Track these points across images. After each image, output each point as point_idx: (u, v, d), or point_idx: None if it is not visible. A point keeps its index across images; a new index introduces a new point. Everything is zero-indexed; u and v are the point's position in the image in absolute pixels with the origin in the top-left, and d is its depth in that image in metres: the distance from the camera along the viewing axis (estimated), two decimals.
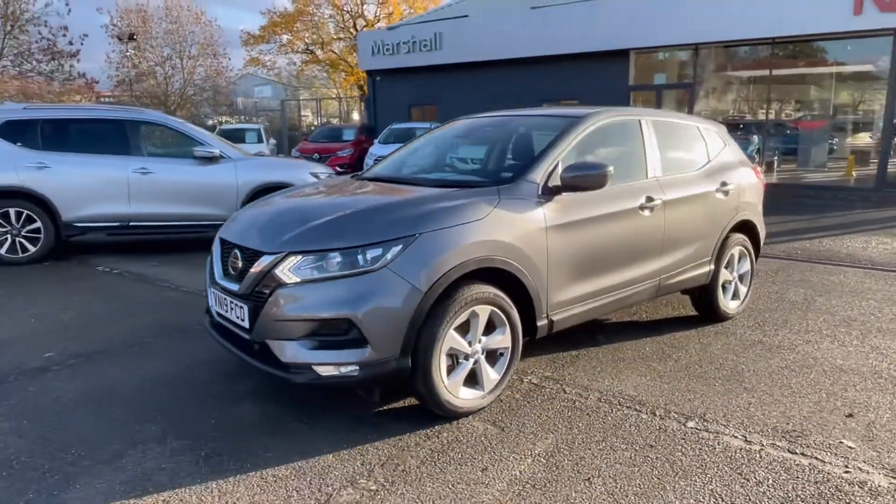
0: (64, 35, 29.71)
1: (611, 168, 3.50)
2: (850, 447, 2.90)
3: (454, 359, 3.13)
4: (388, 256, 2.87)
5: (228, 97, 38.85)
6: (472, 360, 3.18)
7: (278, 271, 2.92)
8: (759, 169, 5.31)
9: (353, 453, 2.86)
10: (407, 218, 3.04)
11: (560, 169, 3.52)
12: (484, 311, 3.16)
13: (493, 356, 3.31)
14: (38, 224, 6.90)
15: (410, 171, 4.24)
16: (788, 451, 2.87)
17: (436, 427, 3.10)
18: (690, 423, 3.15)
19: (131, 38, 31.71)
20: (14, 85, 25.72)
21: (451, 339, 3.04)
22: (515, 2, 18.00)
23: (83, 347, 4.25)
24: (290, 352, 2.90)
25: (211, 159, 7.45)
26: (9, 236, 6.83)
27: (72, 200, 6.96)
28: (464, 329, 3.13)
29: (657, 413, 3.26)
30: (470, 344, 3.15)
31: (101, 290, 5.87)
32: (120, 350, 4.20)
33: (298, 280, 2.89)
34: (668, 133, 4.47)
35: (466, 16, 19.29)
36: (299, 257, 2.92)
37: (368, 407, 3.30)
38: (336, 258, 2.89)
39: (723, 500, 2.49)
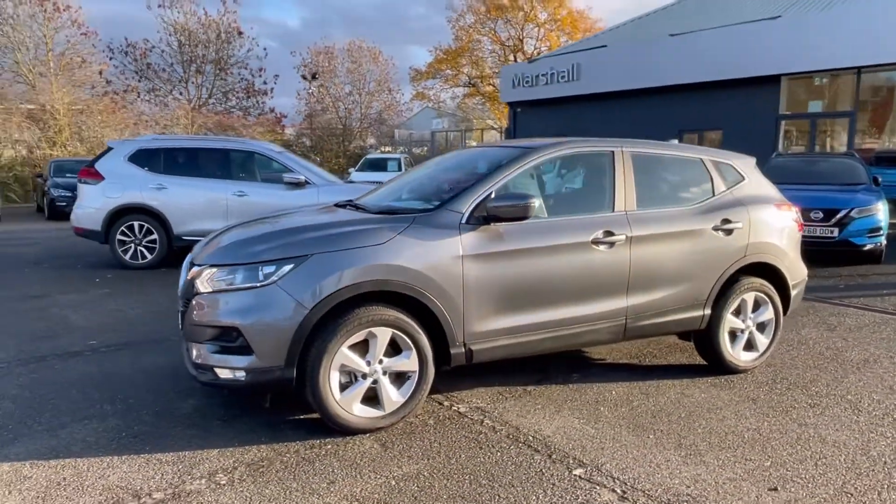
0: (260, 75, 34.17)
1: (535, 200, 3.45)
2: None
3: (351, 376, 3.28)
4: (279, 274, 3.14)
5: (391, 129, 41.71)
6: (369, 380, 3.30)
7: (198, 281, 3.32)
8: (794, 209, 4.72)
9: (235, 451, 3.13)
10: (307, 240, 3.29)
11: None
12: (384, 333, 3.28)
13: (400, 378, 3.40)
14: (155, 236, 8.17)
15: (375, 199, 4.46)
16: None
17: (327, 439, 3.26)
18: (577, 471, 2.96)
19: (314, 76, 35.53)
20: (213, 119, 30.05)
21: (342, 356, 3.20)
22: (653, 30, 17.39)
23: (121, 339, 5.04)
24: (198, 353, 3.27)
25: (297, 185, 8.28)
26: (132, 245, 8.18)
27: (182, 216, 8.15)
28: (363, 348, 3.28)
29: (553, 456, 3.11)
30: (368, 364, 3.28)
31: None
32: (146, 344, 4.92)
33: (210, 290, 3.26)
34: (652, 166, 4.22)
35: (605, 46, 19.01)
36: (214, 270, 3.29)
37: (287, 414, 3.56)
38: (240, 273, 3.21)
39: None
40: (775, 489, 2.82)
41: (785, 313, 4.55)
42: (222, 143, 8.81)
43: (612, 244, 3.81)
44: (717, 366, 4.34)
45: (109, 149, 8.45)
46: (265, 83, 34.35)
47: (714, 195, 4.32)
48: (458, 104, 43.60)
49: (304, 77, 36.65)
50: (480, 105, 43.48)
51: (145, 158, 8.30)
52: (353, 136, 39.31)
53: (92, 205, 8.18)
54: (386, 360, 3.33)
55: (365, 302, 3.25)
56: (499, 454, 3.13)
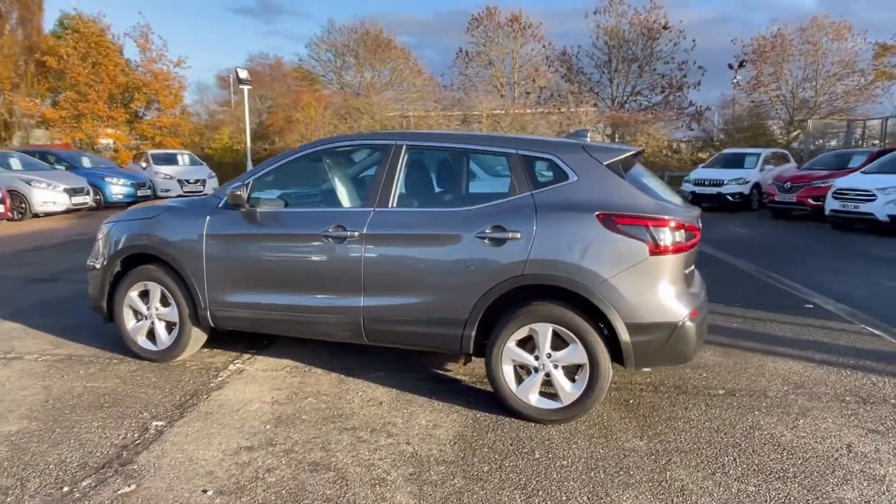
0: (680, 69, 33.39)
1: (240, 192, 3.84)
2: None
3: (137, 316, 4.39)
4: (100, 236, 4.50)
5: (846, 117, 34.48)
6: (149, 321, 4.35)
7: None
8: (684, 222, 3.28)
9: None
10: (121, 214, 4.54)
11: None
12: (155, 288, 4.29)
13: (171, 327, 4.32)
14: None
15: None
16: None
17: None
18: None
19: (741, 65, 32.62)
20: (618, 117, 31.04)
21: (129, 300, 4.36)
22: None
23: None
24: None
25: None
26: None
27: None
28: (145, 299, 4.35)
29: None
30: (147, 308, 4.34)
31: None
32: None
33: None
34: (440, 163, 3.76)
35: None
36: None
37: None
38: None
39: None
40: None
41: (623, 363, 3.35)
42: None
43: (342, 240, 3.74)
44: (503, 406, 3.59)
45: None
46: (684, 77, 33.33)
47: (508, 196, 3.55)
48: None
49: (730, 66, 33.96)
50: None
51: None
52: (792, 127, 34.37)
53: None
54: (160, 308, 4.30)
55: (146, 262, 4.30)
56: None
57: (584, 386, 3.38)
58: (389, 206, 3.74)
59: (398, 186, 3.76)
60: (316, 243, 3.83)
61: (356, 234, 3.71)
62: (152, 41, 28.36)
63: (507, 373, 3.51)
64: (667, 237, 3.28)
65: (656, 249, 3.27)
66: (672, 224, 3.31)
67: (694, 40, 33.13)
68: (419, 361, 4.41)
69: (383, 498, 2.74)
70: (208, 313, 4.15)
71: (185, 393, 3.85)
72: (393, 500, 2.72)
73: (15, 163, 13.77)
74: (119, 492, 2.74)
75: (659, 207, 3.35)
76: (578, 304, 3.36)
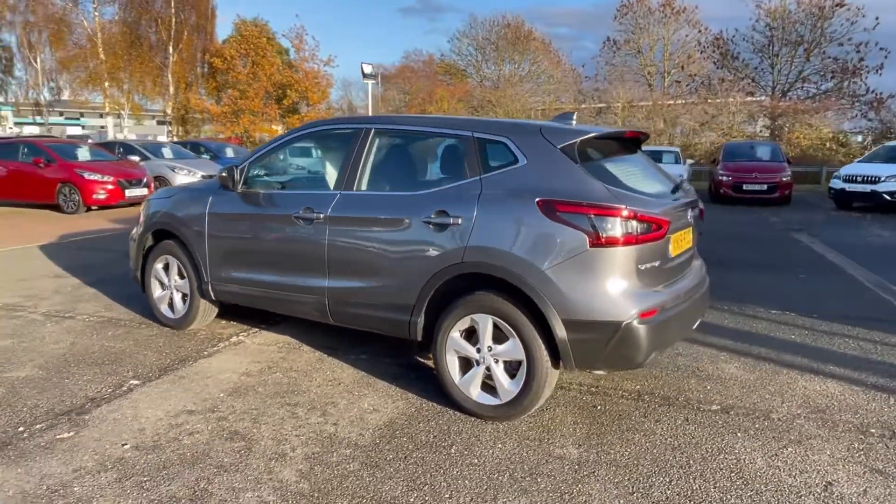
0: (858, 51, 29.47)
1: (228, 172, 4.08)
2: None
3: (162, 286, 4.82)
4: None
5: None
6: (169, 292, 4.77)
7: None
8: (623, 210, 2.93)
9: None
10: None
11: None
12: (173, 261, 4.69)
13: (185, 296, 4.70)
14: None
15: None
16: None
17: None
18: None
19: None
20: (781, 107, 28.04)
21: (155, 271, 4.81)
22: None
23: None
24: None
25: None
26: None
27: None
28: (169, 269, 4.77)
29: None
30: (168, 279, 4.76)
31: None
32: None
33: None
34: (408, 146, 3.70)
35: None
36: None
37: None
38: None
39: None
40: None
41: (559, 364, 3.10)
42: None
43: (311, 221, 3.83)
44: (448, 398, 3.47)
45: None
46: (862, 60, 29.31)
47: (460, 180, 3.40)
48: None
49: None
50: None
51: None
52: None
53: None
54: (178, 280, 4.70)
55: (166, 237, 4.72)
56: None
57: (521, 384, 3.17)
58: (354, 189, 3.75)
59: (364, 170, 3.76)
60: (290, 224, 3.94)
61: (321, 216, 3.78)
62: (306, 42, 30.76)
63: (452, 364, 3.38)
64: (613, 228, 2.95)
65: (597, 240, 2.96)
66: (624, 213, 2.97)
67: (877, 18, 28.98)
68: (406, 348, 4.37)
69: (270, 471, 2.78)
70: (210, 287, 4.44)
71: (176, 358, 4.18)
72: (279, 475, 2.76)
73: (167, 152, 15.68)
74: (57, 437, 3.06)
75: (608, 195, 3.02)
76: (518, 296, 3.14)
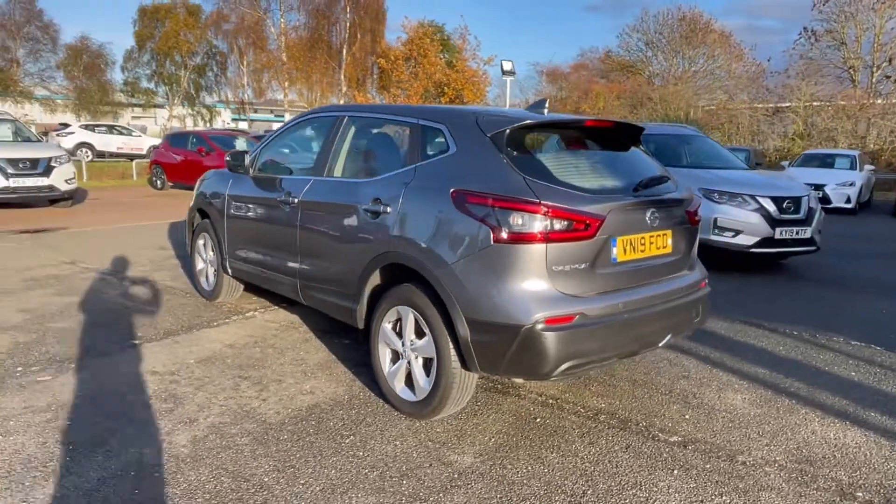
0: None
1: (232, 156, 4.38)
2: None
3: (202, 261, 5.30)
4: None
5: None
6: (206, 266, 5.23)
7: None
8: (528, 202, 2.64)
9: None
10: None
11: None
12: (207, 239, 5.14)
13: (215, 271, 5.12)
14: None
15: None
16: None
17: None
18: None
19: None
20: None
21: (197, 247, 5.29)
22: None
23: None
24: None
25: None
26: None
27: None
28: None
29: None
30: (205, 255, 5.22)
31: None
32: None
33: None
34: (375, 133, 3.68)
35: None
36: None
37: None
38: None
39: None
40: None
41: (467, 366, 2.91)
42: None
43: (288, 205, 3.97)
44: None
45: None
46: None
47: (400, 168, 3.31)
48: None
49: None
50: None
51: None
52: None
53: None
54: (211, 255, 5.14)
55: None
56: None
57: (432, 383, 3.02)
58: (325, 175, 3.82)
59: (336, 156, 3.81)
60: (276, 208, 4.12)
61: (295, 200, 3.90)
62: (468, 41, 31.48)
63: (384, 355, 3.32)
64: (519, 223, 2.69)
65: (503, 236, 2.71)
66: (533, 208, 2.69)
67: None
68: None
69: (170, 433, 2.95)
70: (227, 263, 4.80)
71: (186, 325, 4.58)
72: (174, 437, 2.92)
73: None
74: (38, 379, 3.53)
75: (521, 188, 2.74)
76: (431, 290, 2.99)
